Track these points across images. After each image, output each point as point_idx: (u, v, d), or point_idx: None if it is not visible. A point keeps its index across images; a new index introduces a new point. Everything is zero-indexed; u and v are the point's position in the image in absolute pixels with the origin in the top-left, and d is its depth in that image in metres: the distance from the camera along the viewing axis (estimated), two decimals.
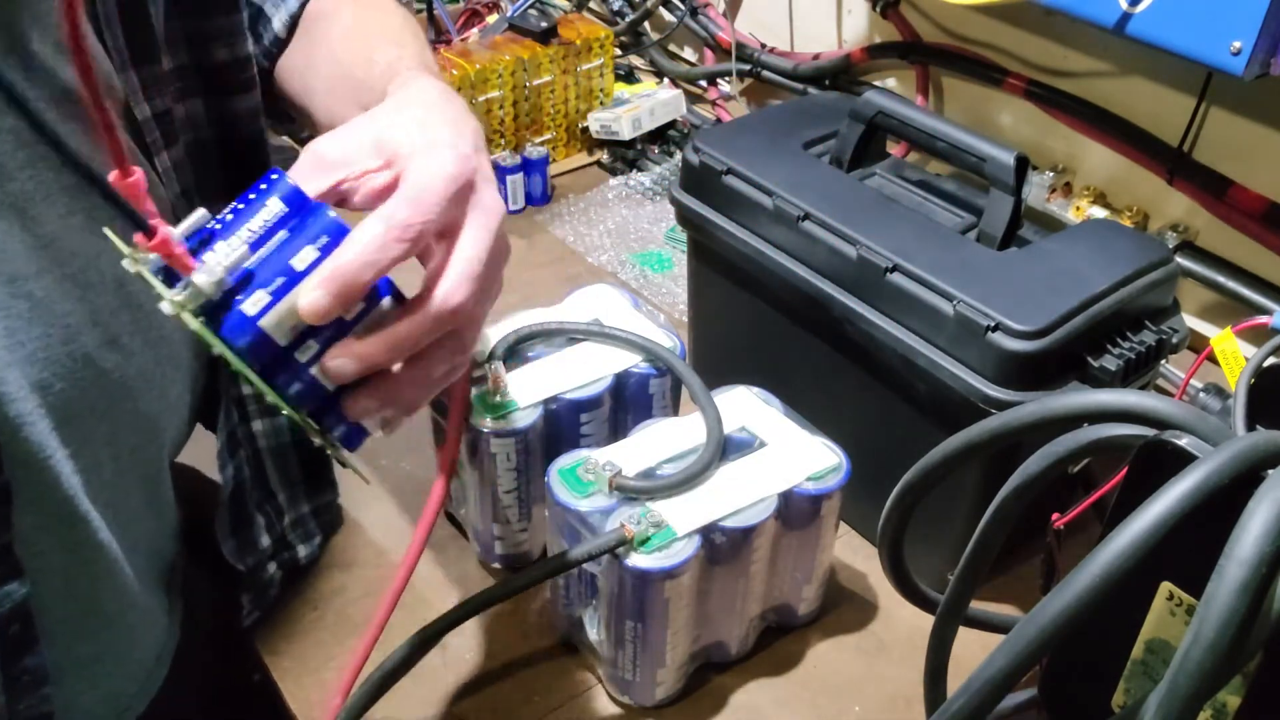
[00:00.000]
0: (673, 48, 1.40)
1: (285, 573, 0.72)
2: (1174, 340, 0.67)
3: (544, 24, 1.14)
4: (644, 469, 0.64)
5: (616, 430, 0.73)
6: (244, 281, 0.44)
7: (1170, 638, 0.42)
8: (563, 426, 0.71)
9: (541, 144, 1.15)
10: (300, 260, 0.44)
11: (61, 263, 0.48)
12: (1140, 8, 0.74)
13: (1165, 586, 0.41)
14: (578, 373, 0.71)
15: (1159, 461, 0.39)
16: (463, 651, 0.70)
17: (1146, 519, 0.34)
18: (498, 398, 0.69)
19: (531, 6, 1.16)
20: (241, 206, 0.45)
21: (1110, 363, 0.63)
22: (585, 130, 1.21)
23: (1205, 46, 0.71)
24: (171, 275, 0.43)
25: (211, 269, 0.42)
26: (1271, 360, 0.58)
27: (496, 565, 0.76)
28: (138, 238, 0.41)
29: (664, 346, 0.72)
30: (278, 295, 0.44)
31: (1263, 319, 0.68)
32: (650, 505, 0.61)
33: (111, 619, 0.56)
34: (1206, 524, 0.33)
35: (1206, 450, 0.37)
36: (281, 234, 0.44)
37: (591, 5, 1.39)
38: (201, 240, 0.44)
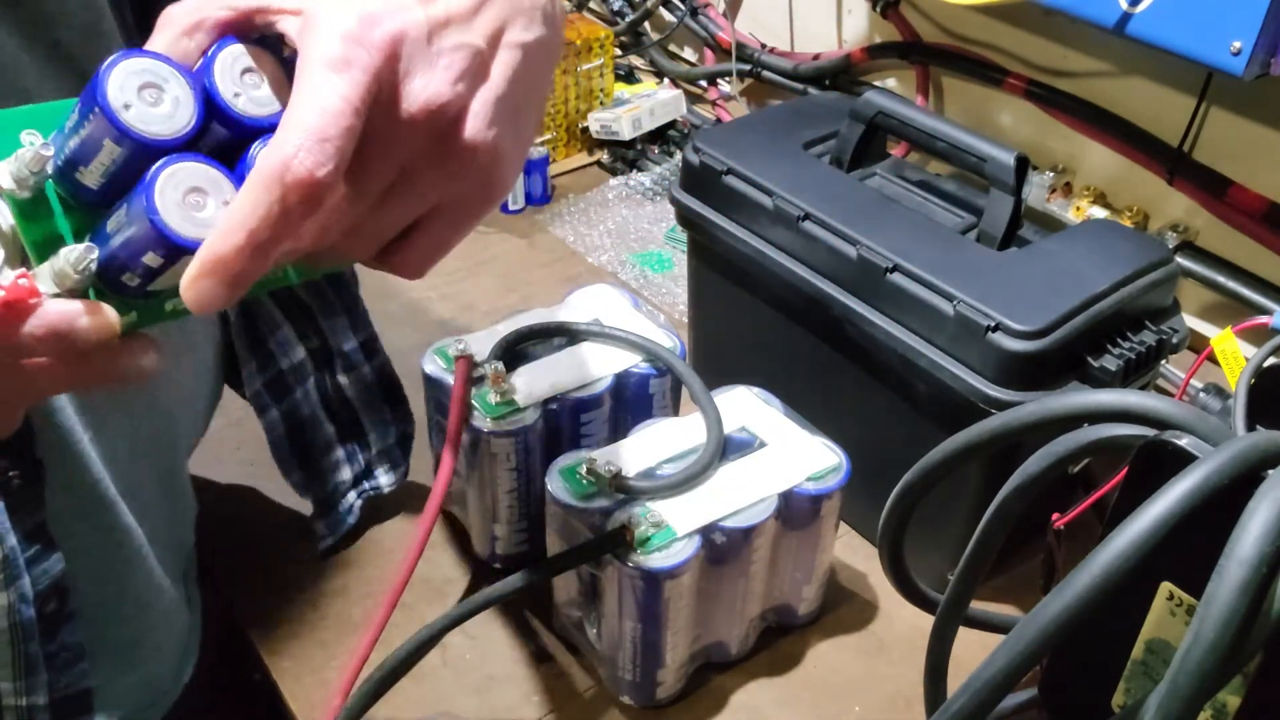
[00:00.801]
0: (673, 48, 1.40)
1: (365, 502, 0.77)
2: (1174, 340, 0.67)
3: None
4: (644, 469, 0.64)
5: (616, 430, 0.73)
6: None
7: (1170, 638, 0.42)
8: (563, 426, 0.71)
9: (541, 144, 1.15)
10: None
11: None
12: (1140, 8, 0.74)
13: (1165, 586, 0.41)
14: (578, 373, 0.71)
15: (1159, 461, 0.39)
16: (463, 651, 0.70)
17: (1146, 519, 0.34)
18: (498, 398, 0.69)
19: None
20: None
21: (1110, 363, 0.63)
22: (585, 130, 1.21)
23: (1205, 46, 0.71)
24: None
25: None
26: (1271, 360, 0.58)
27: (496, 565, 0.76)
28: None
29: (664, 346, 0.72)
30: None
31: (1263, 319, 0.68)
32: (650, 505, 0.61)
33: (144, 604, 0.59)
34: (1207, 524, 0.33)
35: (1207, 450, 0.37)
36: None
37: (591, 5, 1.39)
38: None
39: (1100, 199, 0.97)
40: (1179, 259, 0.88)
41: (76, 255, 0.38)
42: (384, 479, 0.78)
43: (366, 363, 0.76)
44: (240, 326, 0.68)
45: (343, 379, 0.75)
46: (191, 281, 0.35)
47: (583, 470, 0.63)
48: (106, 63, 0.37)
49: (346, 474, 0.76)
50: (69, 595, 0.53)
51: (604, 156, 1.22)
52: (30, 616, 0.51)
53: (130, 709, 0.60)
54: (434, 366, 0.72)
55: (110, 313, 0.38)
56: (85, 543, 0.53)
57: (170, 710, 0.62)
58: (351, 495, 0.77)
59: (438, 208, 0.42)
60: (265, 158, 0.35)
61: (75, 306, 0.37)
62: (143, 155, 0.37)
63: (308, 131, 0.35)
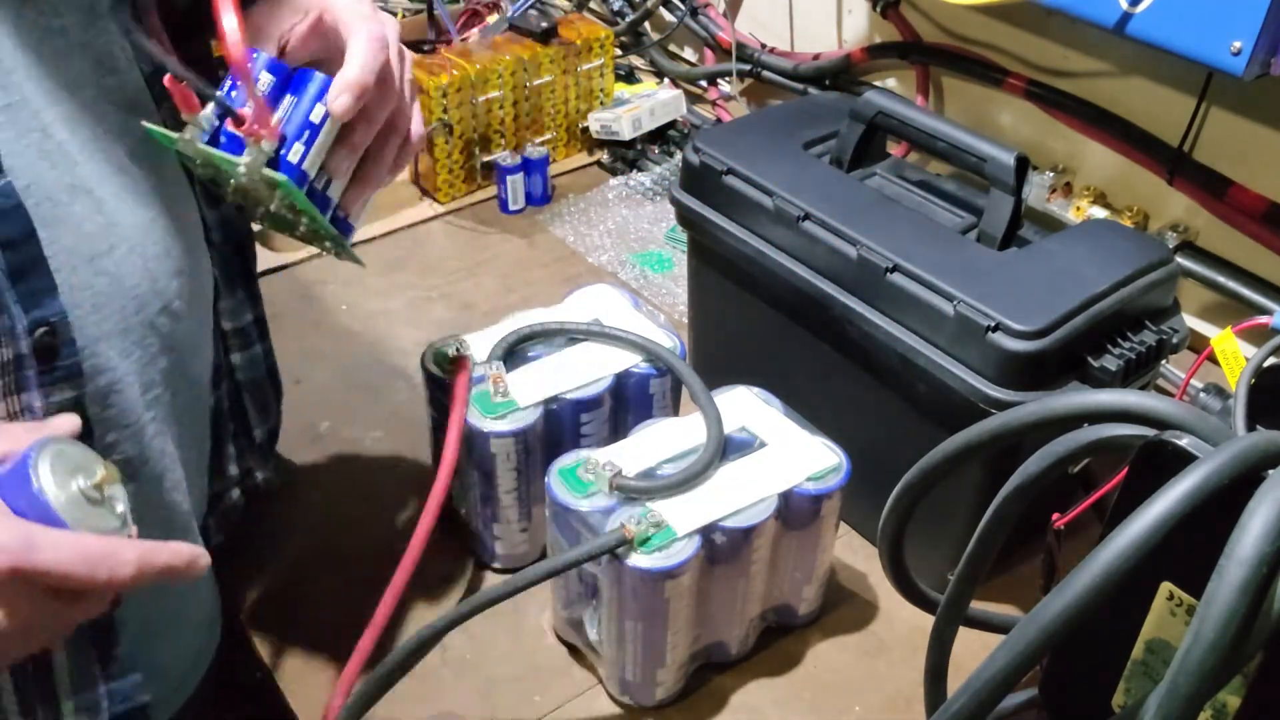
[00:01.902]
0: (673, 48, 1.40)
1: (246, 497, 0.75)
2: (1174, 340, 0.67)
3: (544, 24, 1.14)
4: (644, 469, 0.64)
5: (616, 430, 0.73)
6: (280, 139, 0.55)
7: (1170, 638, 0.42)
8: (563, 426, 0.71)
9: (541, 144, 1.15)
10: (315, 115, 0.55)
11: (126, 238, 0.51)
12: (1140, 8, 0.74)
13: (1165, 586, 0.41)
14: (578, 373, 0.71)
15: (1159, 462, 0.39)
16: (463, 651, 0.70)
17: (1147, 519, 0.34)
18: (498, 398, 0.69)
19: (532, 6, 1.16)
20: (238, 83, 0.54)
21: (1110, 363, 0.63)
22: (585, 130, 1.21)
23: (1205, 46, 0.71)
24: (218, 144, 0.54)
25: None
26: (1271, 360, 0.58)
27: (496, 565, 0.76)
28: (245, 117, 0.52)
29: (664, 346, 0.73)
30: (309, 144, 0.55)
31: (1263, 319, 0.68)
32: (650, 505, 0.61)
33: (209, 587, 0.62)
34: (1207, 524, 0.33)
35: (1207, 450, 0.37)
36: (289, 99, 0.55)
37: (592, 5, 1.39)
38: (226, 112, 0.54)
39: (1100, 199, 0.97)
40: (1179, 259, 0.88)
41: None
42: (260, 475, 0.76)
43: (259, 342, 0.73)
44: None
45: (235, 358, 0.72)
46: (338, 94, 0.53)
47: (582, 470, 0.63)
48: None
49: (234, 469, 0.73)
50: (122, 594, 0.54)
51: (604, 156, 1.22)
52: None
53: (171, 683, 0.62)
54: (434, 366, 0.72)
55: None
56: (146, 521, 0.54)
57: (197, 688, 0.64)
58: (236, 491, 0.74)
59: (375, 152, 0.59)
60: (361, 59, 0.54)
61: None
62: None
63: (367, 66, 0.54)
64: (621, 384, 0.72)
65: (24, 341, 0.47)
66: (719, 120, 1.26)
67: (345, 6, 0.57)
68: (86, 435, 0.50)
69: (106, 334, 0.50)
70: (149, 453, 0.54)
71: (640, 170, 1.19)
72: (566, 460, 0.65)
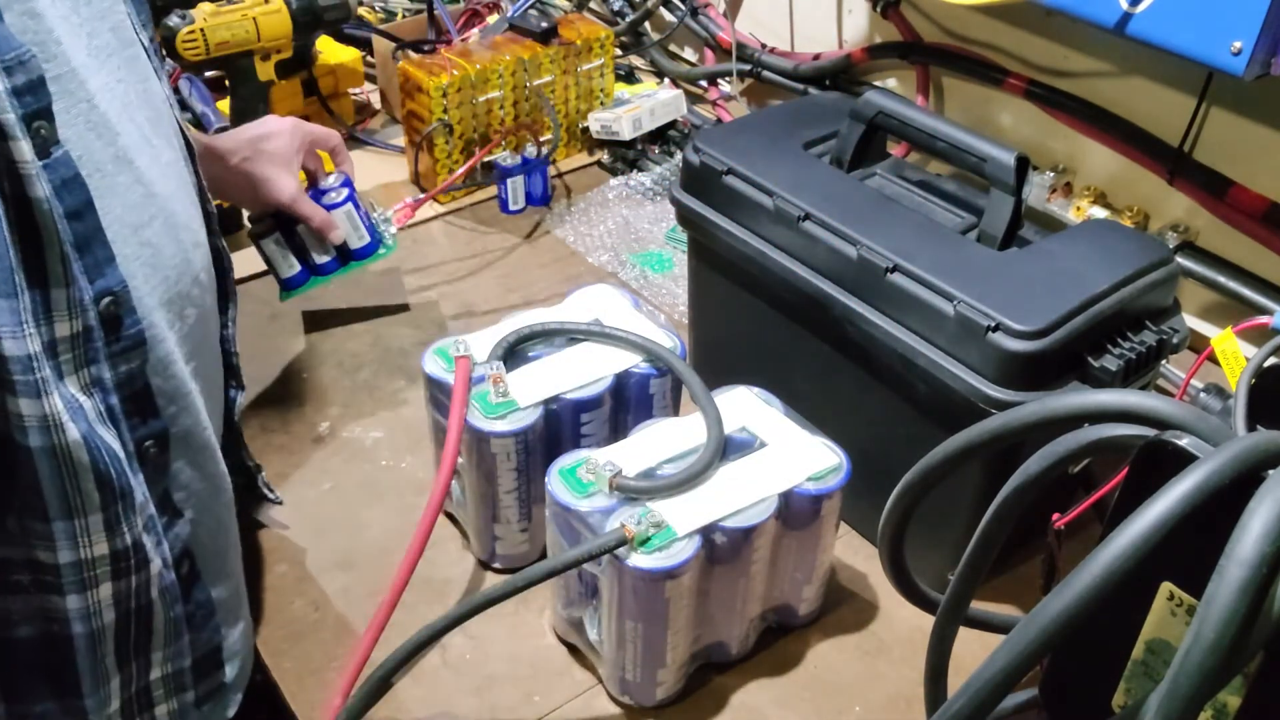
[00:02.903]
0: (673, 48, 1.40)
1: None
2: (1174, 340, 0.67)
3: (544, 24, 1.14)
4: (644, 469, 0.64)
5: (616, 430, 0.73)
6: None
7: (1171, 638, 0.42)
8: (563, 426, 0.71)
9: (541, 144, 1.15)
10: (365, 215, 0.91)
11: (162, 209, 0.52)
12: (1141, 8, 0.74)
13: (1166, 587, 0.41)
14: (578, 373, 0.71)
15: (1159, 462, 0.39)
16: (463, 651, 0.70)
17: (1147, 519, 0.34)
18: (498, 398, 0.69)
19: (532, 7, 1.16)
20: (343, 192, 0.91)
21: (1111, 363, 0.63)
22: (585, 130, 1.21)
23: (1206, 46, 0.71)
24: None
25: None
26: (1272, 360, 0.58)
27: (496, 565, 0.76)
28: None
29: (664, 346, 0.72)
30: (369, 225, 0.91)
31: (1263, 319, 0.68)
32: (650, 505, 0.61)
33: (239, 554, 0.62)
34: (1207, 524, 0.33)
35: (1207, 450, 0.37)
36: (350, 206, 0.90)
37: (592, 5, 1.39)
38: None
39: (1100, 199, 0.97)
40: (1179, 259, 0.88)
41: None
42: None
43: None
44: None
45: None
46: None
47: (582, 470, 0.63)
48: None
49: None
50: (196, 556, 0.56)
51: (604, 156, 1.22)
52: (172, 580, 0.53)
53: (242, 659, 0.63)
54: (434, 366, 0.72)
55: None
56: (200, 496, 0.56)
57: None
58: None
59: None
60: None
61: None
62: None
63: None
64: (621, 384, 0.72)
65: (91, 312, 0.47)
66: (719, 120, 1.26)
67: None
68: (150, 407, 0.51)
69: (157, 304, 0.51)
70: (199, 424, 0.55)
71: (640, 170, 1.19)
72: (566, 460, 0.65)
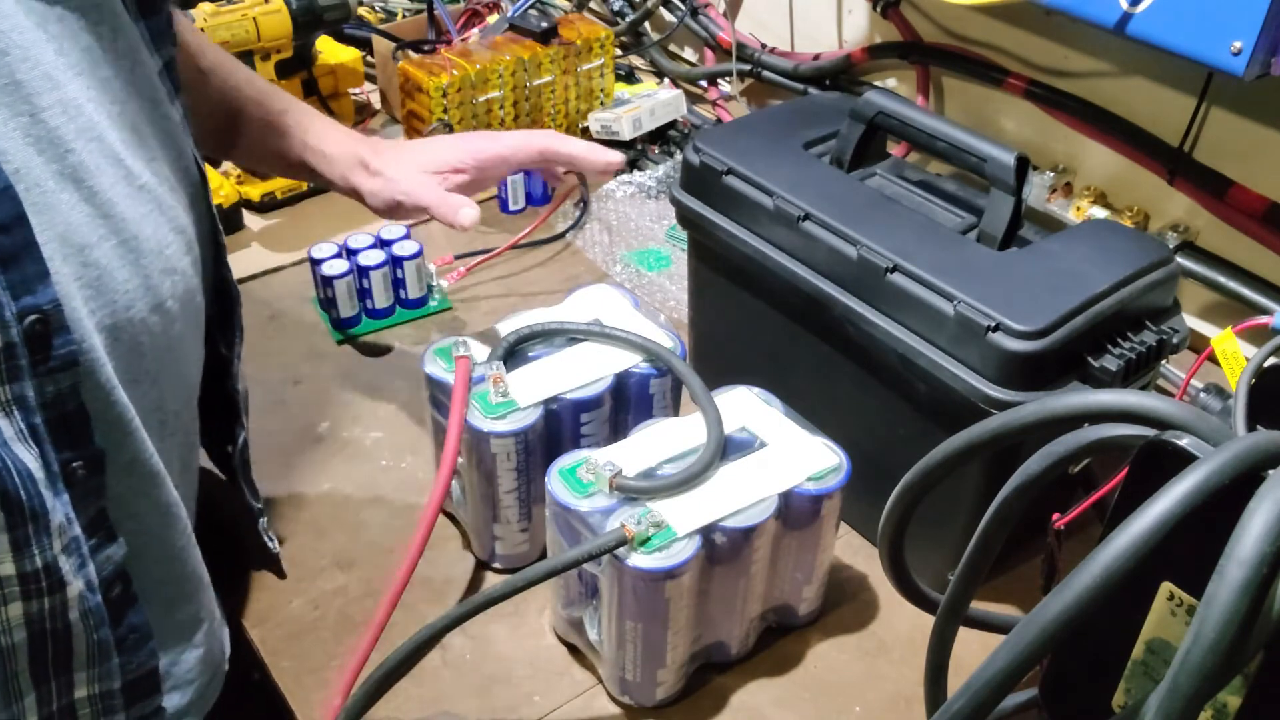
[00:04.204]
0: (673, 48, 1.40)
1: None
2: (1174, 340, 0.67)
3: (544, 24, 1.14)
4: (644, 469, 0.64)
5: (616, 430, 0.73)
6: None
7: (1171, 638, 0.42)
8: (563, 426, 0.71)
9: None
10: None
11: (117, 230, 0.51)
12: (1140, 8, 0.74)
13: (1166, 587, 0.41)
14: (578, 373, 0.71)
15: (1159, 461, 0.39)
16: (463, 651, 0.70)
17: (1147, 519, 0.34)
18: (498, 398, 0.69)
19: (532, 6, 1.16)
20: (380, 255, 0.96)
21: (1111, 363, 0.63)
22: (585, 130, 1.21)
23: (1206, 46, 0.71)
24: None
25: None
26: (1272, 360, 0.58)
27: (496, 565, 0.76)
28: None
29: (664, 346, 0.72)
30: None
31: (1263, 319, 0.68)
32: (650, 505, 0.61)
33: (200, 581, 0.61)
34: (1207, 524, 0.33)
35: (1207, 450, 0.37)
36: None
37: (592, 5, 1.39)
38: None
39: (1101, 199, 0.97)
40: (1179, 259, 0.88)
41: None
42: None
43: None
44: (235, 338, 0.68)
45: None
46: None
47: (582, 470, 0.63)
48: None
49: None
50: (133, 580, 0.54)
51: None
52: (98, 603, 0.52)
53: (198, 687, 0.61)
54: (434, 366, 0.72)
55: None
56: (148, 523, 0.55)
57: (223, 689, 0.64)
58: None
59: None
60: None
61: None
62: None
63: None
64: (621, 384, 0.72)
65: (14, 329, 0.45)
66: (719, 120, 1.26)
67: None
68: (81, 430, 0.49)
69: (101, 326, 0.50)
70: (145, 451, 0.54)
71: (640, 170, 1.19)
72: (566, 460, 0.65)
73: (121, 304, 0.51)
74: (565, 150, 0.74)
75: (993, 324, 0.62)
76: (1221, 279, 0.90)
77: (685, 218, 0.81)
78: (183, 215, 0.57)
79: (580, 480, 0.63)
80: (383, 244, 0.96)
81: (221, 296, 0.65)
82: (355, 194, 0.76)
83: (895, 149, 1.04)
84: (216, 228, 0.62)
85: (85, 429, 0.49)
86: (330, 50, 1.19)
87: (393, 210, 0.76)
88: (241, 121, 0.76)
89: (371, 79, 1.28)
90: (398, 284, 0.97)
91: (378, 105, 1.29)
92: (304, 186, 1.10)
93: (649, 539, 0.60)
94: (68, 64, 0.49)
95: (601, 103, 1.22)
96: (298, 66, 1.12)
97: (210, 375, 0.65)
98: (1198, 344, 0.81)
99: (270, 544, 0.74)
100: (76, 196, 0.48)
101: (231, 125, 0.76)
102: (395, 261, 0.95)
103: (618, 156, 0.76)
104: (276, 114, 0.76)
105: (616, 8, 1.36)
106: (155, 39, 0.56)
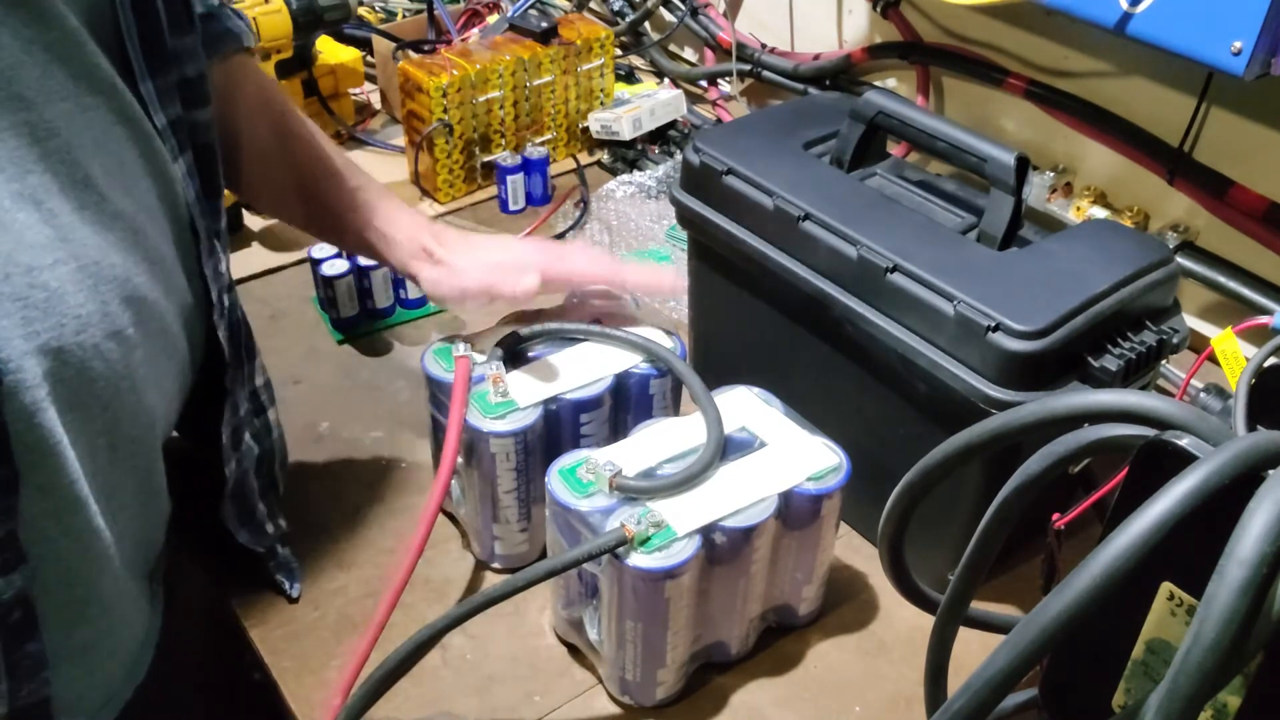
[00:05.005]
0: (673, 48, 1.40)
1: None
2: (1174, 340, 0.67)
3: (544, 24, 1.14)
4: (644, 469, 0.64)
5: (616, 430, 0.73)
6: None
7: (1171, 638, 0.42)
8: (563, 426, 0.71)
9: (541, 144, 1.15)
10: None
11: (76, 255, 0.50)
12: (1141, 8, 0.74)
13: (1166, 587, 0.41)
14: (578, 373, 0.71)
15: (1159, 462, 0.39)
16: (463, 651, 0.70)
17: (1147, 519, 0.34)
18: (498, 398, 0.69)
19: (532, 7, 1.16)
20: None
21: (1111, 363, 0.63)
22: (585, 130, 1.21)
23: (1206, 46, 0.71)
24: None
25: None
26: (1272, 361, 0.58)
27: (496, 565, 0.76)
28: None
29: (664, 346, 0.73)
30: None
31: (1263, 319, 0.68)
32: (650, 505, 0.61)
33: (107, 606, 0.58)
34: (1207, 524, 0.33)
35: (1207, 450, 0.37)
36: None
37: (592, 5, 1.39)
38: None
39: (1101, 199, 0.97)
40: (1179, 259, 0.88)
41: None
42: (283, 523, 0.76)
43: (272, 405, 0.74)
44: (233, 354, 0.67)
45: (270, 414, 0.73)
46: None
47: (582, 470, 0.63)
48: None
49: (271, 526, 0.74)
50: (35, 605, 0.52)
51: (604, 156, 1.22)
52: None
53: (86, 713, 0.58)
54: (434, 366, 0.72)
55: None
56: (56, 547, 0.52)
57: (152, 686, 0.62)
58: (282, 548, 0.75)
59: None
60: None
61: None
62: None
63: None
64: (621, 384, 0.72)
65: None
66: (719, 120, 1.26)
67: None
68: (4, 451, 0.48)
69: (40, 349, 0.48)
70: (65, 479, 0.51)
71: (640, 170, 1.19)
72: (566, 460, 0.65)
73: (71, 327, 0.49)
74: (633, 280, 0.74)
75: (993, 324, 0.62)
76: (1221, 279, 0.90)
77: (685, 218, 0.81)
78: (163, 247, 0.56)
79: (580, 480, 0.63)
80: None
81: (236, 336, 0.66)
82: (414, 279, 0.76)
83: (895, 149, 1.04)
84: (212, 272, 0.62)
85: (3, 449, 0.48)
86: (330, 50, 1.19)
87: (451, 299, 0.74)
88: (313, 193, 0.76)
89: (371, 79, 1.28)
90: (398, 284, 0.97)
91: (378, 105, 1.29)
92: None
93: (649, 539, 0.60)
94: (53, 90, 0.48)
95: (601, 103, 1.22)
96: (298, 66, 1.12)
97: (207, 403, 0.64)
98: (1198, 344, 0.81)
99: (284, 584, 0.73)
100: (35, 217, 0.47)
101: (302, 195, 0.76)
102: None
103: (680, 282, 0.75)
104: (350, 190, 0.75)
105: (616, 8, 1.36)
106: (161, 96, 0.56)
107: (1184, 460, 0.38)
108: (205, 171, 0.62)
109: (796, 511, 0.65)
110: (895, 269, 0.67)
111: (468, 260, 0.74)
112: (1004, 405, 0.62)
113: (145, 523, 0.61)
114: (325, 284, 0.94)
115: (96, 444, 0.53)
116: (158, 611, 0.65)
